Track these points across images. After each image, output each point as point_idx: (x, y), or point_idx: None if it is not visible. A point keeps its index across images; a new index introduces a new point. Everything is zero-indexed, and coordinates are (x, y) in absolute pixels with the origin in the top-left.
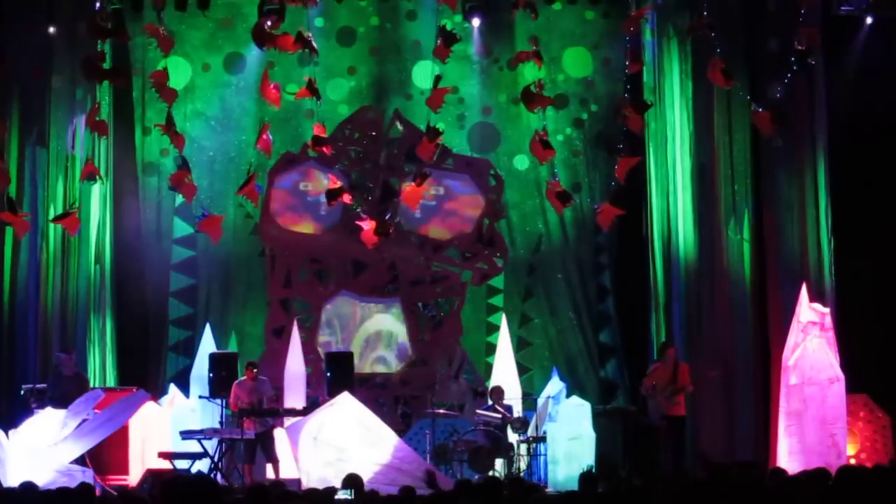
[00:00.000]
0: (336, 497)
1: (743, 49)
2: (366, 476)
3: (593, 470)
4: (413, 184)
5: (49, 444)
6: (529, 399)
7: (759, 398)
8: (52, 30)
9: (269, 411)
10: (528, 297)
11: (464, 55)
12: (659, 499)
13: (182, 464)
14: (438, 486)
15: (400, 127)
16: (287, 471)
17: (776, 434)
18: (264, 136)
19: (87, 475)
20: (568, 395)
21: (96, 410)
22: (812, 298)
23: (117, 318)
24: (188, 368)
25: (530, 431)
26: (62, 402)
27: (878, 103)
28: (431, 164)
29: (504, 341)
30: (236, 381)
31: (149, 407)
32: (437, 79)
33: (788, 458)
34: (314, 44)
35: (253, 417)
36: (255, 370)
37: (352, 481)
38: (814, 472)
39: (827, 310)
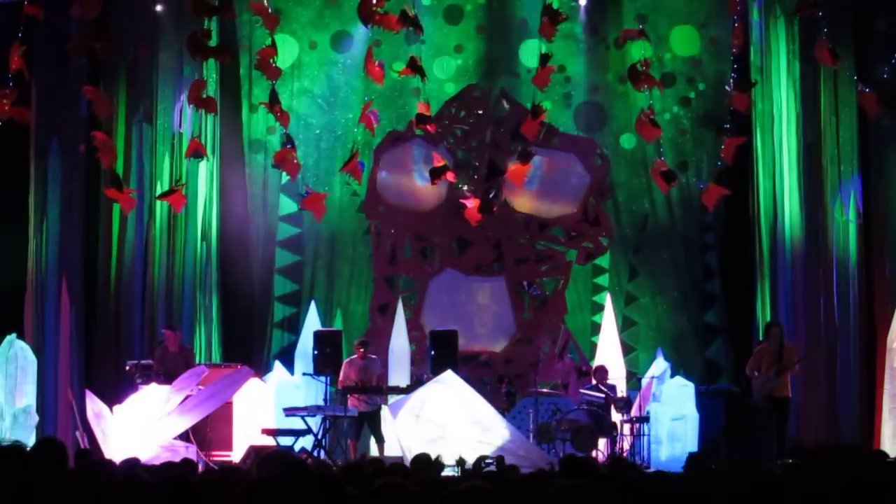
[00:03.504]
0: (442, 474)
1: (850, 28)
2: (468, 454)
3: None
4: (518, 162)
5: (153, 420)
6: (633, 379)
7: (864, 380)
8: (158, 7)
9: (373, 388)
10: (634, 277)
11: (570, 34)
12: (752, 482)
13: (286, 441)
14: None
15: (506, 105)
16: (391, 448)
17: (880, 416)
18: (367, 114)
19: (190, 451)
20: (672, 376)
21: (200, 386)
22: None
23: (223, 294)
24: (293, 345)
25: (634, 411)
26: (168, 378)
27: None
28: (537, 143)
29: (609, 321)
30: (346, 359)
31: (253, 383)
32: (545, 58)
33: (892, 440)
34: (419, 22)
35: (359, 395)
36: (363, 349)
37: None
38: None
39: None
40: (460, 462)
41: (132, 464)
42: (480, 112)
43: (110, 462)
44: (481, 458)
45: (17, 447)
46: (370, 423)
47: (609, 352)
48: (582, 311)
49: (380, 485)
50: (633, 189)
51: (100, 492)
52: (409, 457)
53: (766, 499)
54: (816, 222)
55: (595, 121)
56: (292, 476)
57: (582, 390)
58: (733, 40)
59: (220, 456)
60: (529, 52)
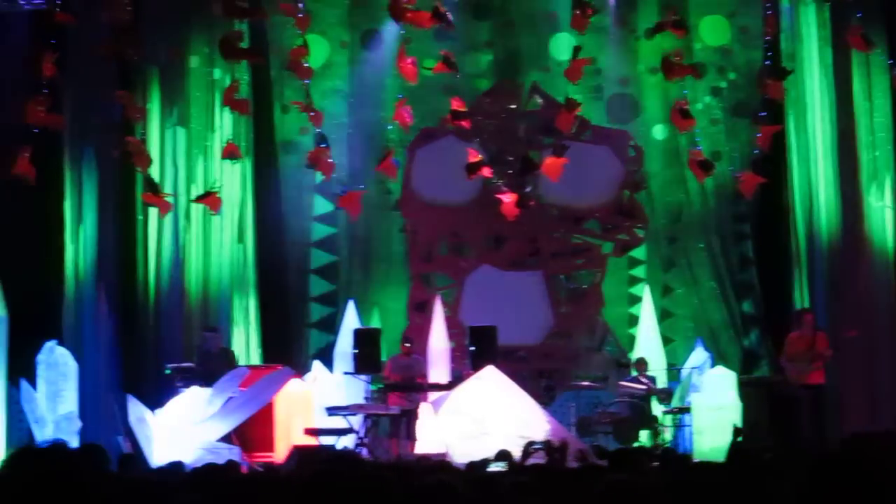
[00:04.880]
0: (488, 469)
1: (882, 13)
2: (511, 449)
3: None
4: (553, 156)
5: (195, 423)
6: (673, 370)
7: None
8: (189, 11)
9: (414, 386)
10: (670, 268)
11: (600, 25)
12: (791, 470)
13: (328, 440)
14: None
15: (538, 100)
16: (433, 446)
17: None
18: (400, 111)
19: (233, 453)
20: (712, 366)
21: (241, 388)
22: None
23: (260, 296)
24: (332, 345)
25: (675, 402)
26: (210, 379)
27: None
28: (570, 136)
29: (647, 312)
30: (390, 357)
31: (293, 384)
32: (577, 50)
33: None
34: (450, 18)
35: (400, 393)
36: (408, 344)
37: (503, 455)
38: None
39: None
40: (504, 455)
41: (177, 467)
42: (513, 107)
43: (155, 466)
44: (529, 444)
45: (58, 445)
46: (408, 420)
47: (648, 343)
48: (619, 303)
49: (428, 483)
50: (667, 180)
51: (142, 495)
52: (451, 453)
53: (812, 486)
54: (852, 209)
55: (627, 112)
56: (342, 470)
57: (622, 382)
58: (765, 28)
59: (262, 457)
60: (559, 46)
